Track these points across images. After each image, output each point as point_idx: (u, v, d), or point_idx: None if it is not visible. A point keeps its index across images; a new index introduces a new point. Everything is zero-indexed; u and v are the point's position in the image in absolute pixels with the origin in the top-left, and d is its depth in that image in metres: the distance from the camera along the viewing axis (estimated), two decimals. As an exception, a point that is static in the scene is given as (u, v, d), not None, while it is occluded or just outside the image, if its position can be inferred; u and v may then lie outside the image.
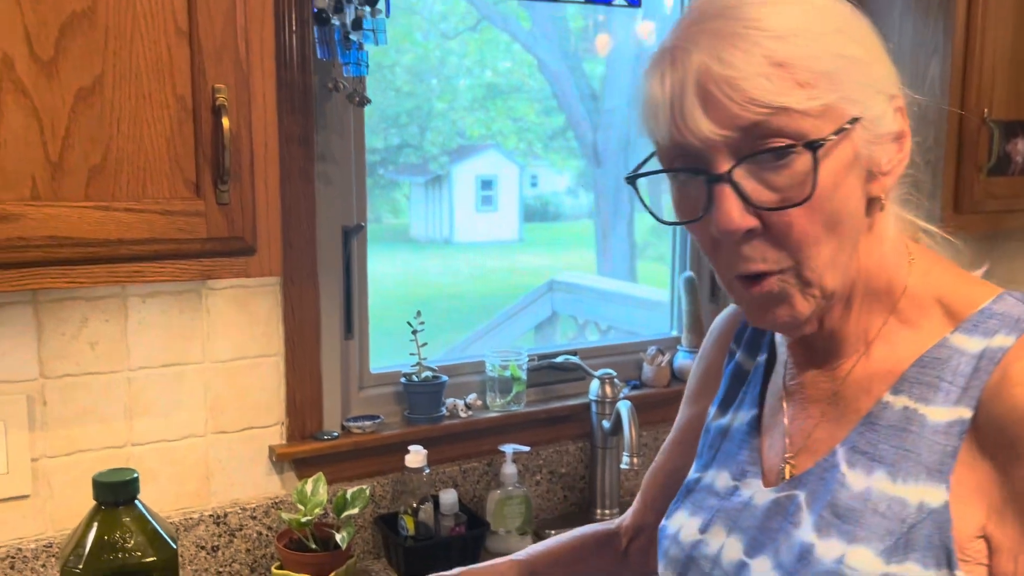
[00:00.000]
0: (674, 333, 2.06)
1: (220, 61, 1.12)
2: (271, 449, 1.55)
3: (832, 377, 0.82)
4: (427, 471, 1.57)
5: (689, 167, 0.73)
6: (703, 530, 0.86)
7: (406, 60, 3.09)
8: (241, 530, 1.51)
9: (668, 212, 0.80)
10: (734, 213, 0.70)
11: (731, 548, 0.83)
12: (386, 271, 2.16)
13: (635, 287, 3.84)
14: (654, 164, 0.78)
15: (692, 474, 0.95)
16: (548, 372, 1.84)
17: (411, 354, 1.68)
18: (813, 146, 0.68)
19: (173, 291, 1.44)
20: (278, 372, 1.55)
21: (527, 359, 1.76)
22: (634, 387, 1.88)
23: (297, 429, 1.57)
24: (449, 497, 1.58)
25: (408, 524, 1.54)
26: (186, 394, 1.47)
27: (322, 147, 1.55)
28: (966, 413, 0.72)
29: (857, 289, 0.79)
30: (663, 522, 0.93)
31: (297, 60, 1.46)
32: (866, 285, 0.79)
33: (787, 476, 0.82)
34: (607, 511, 1.78)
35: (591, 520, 1.77)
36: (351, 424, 1.62)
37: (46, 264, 1.06)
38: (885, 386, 0.77)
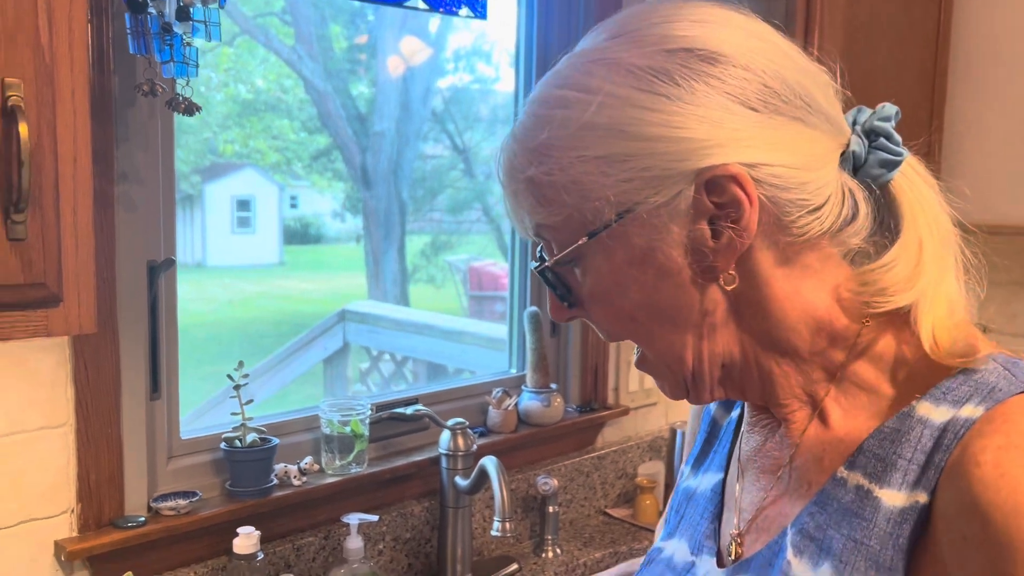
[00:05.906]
0: (513, 371, 1.91)
1: (13, 46, 0.82)
2: (58, 545, 1.22)
3: (784, 443, 0.70)
4: (260, 556, 1.30)
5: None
6: None
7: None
8: (18, 655, 1.17)
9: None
10: (553, 304, 0.72)
11: None
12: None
13: (435, 316, 3.66)
14: None
15: (658, 542, 0.83)
16: (387, 424, 1.62)
17: (233, 414, 1.41)
18: (542, 261, 0.69)
19: (-79, 350, 1.09)
20: (66, 447, 1.22)
21: (369, 411, 1.53)
22: (481, 434, 1.71)
23: (92, 517, 1.25)
24: (288, 584, 1.33)
25: (239, 623, 1.27)
26: (-61, 485, 1.12)
27: (123, 164, 1.25)
28: (922, 498, 0.60)
29: (758, 357, 0.68)
30: None
31: (94, 54, 1.16)
32: (776, 348, 0.67)
33: (734, 557, 0.71)
34: (459, 578, 1.59)
35: (441, 590, 1.57)
36: (161, 504, 1.31)
37: None
38: (840, 458, 0.66)
